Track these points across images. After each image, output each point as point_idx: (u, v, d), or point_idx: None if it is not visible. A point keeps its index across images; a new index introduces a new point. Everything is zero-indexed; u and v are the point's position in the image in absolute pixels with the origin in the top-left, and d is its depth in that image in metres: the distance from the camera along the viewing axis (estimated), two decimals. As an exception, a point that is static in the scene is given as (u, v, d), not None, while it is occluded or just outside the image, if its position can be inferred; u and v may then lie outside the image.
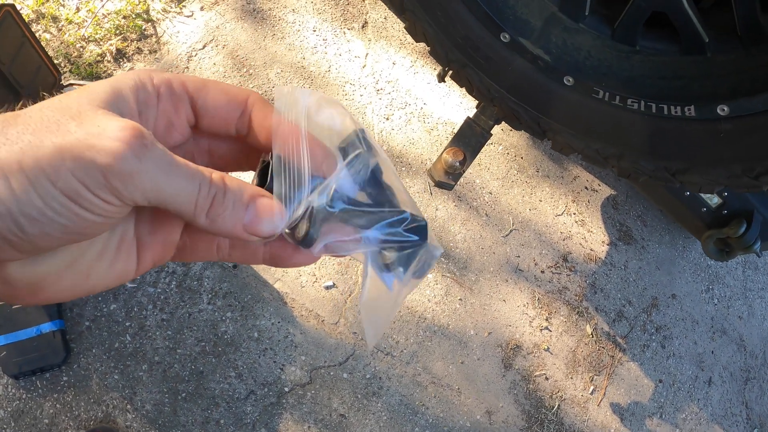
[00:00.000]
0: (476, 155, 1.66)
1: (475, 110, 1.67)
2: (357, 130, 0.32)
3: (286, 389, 1.80)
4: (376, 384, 1.86)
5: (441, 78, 1.66)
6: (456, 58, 1.40)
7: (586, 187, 2.29)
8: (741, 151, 1.15)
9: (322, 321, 1.87)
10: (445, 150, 1.59)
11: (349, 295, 1.90)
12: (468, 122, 1.65)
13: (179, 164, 0.25)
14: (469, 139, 1.65)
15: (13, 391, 1.70)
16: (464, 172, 1.63)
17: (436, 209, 2.05)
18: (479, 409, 1.97)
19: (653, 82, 1.25)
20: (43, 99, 0.26)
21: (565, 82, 1.29)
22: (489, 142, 2.06)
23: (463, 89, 1.52)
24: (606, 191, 2.32)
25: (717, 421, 2.26)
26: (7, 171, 0.22)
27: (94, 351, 1.75)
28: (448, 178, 1.61)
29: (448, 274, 2.01)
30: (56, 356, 1.66)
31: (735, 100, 1.08)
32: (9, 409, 1.68)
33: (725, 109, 1.09)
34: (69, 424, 1.70)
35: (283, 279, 1.88)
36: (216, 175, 0.27)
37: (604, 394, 2.17)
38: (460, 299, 2.00)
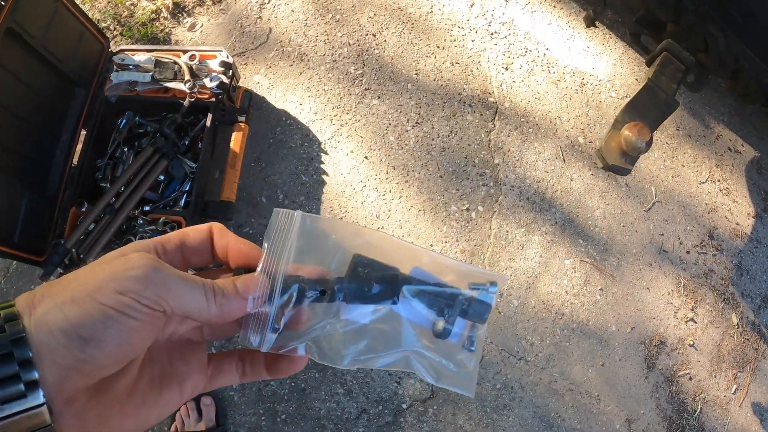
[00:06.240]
0: (655, 129, 1.19)
1: (651, 69, 1.17)
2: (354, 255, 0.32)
3: (404, 406, 1.37)
4: (507, 395, 1.43)
5: (591, 22, 1.15)
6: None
7: (729, 148, 1.78)
8: None
9: (445, 323, 1.43)
10: (626, 125, 1.10)
11: (476, 291, 1.45)
12: (649, 87, 1.16)
13: (187, 276, 0.29)
14: (648, 109, 1.16)
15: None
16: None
17: (571, 179, 1.57)
18: (619, 418, 1.54)
19: None
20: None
21: None
22: (618, 93, 1.56)
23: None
24: (750, 153, 1.81)
25: None
26: (60, 303, 0.26)
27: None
28: (624, 162, 1.14)
29: (588, 259, 1.54)
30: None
31: None
32: None
33: None
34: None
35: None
36: (220, 279, 0.32)
37: (746, 392, 1.73)
38: (601, 289, 1.54)
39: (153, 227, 1.38)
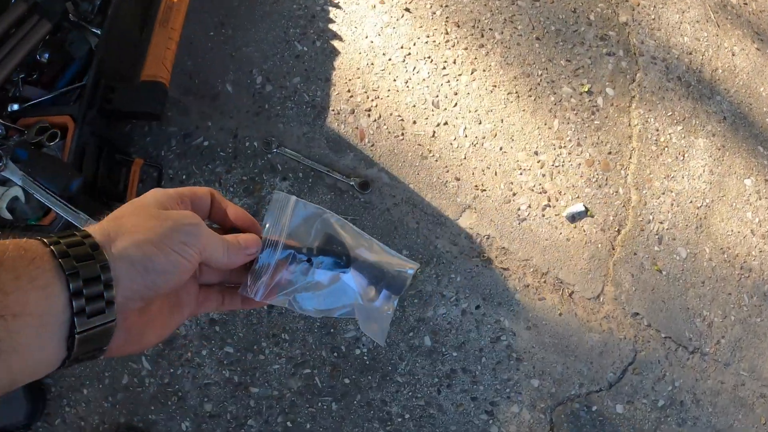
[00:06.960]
0: None
1: None
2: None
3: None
4: (675, 416, 0.81)
5: None
6: None
7: None
8: None
9: (570, 294, 0.80)
10: None
11: (617, 232, 0.82)
12: None
13: (215, 234, 0.39)
14: None
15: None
16: None
17: (732, 53, 0.97)
18: (824, 437, 0.94)
19: None
20: None
21: None
22: None
23: None
24: None
25: None
26: (139, 242, 0.33)
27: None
28: None
29: (774, 181, 0.93)
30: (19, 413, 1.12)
31: None
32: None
33: None
34: None
35: (475, 205, 0.79)
36: (227, 236, 0.41)
37: None
38: (796, 229, 0.94)
39: (20, 137, 0.73)
